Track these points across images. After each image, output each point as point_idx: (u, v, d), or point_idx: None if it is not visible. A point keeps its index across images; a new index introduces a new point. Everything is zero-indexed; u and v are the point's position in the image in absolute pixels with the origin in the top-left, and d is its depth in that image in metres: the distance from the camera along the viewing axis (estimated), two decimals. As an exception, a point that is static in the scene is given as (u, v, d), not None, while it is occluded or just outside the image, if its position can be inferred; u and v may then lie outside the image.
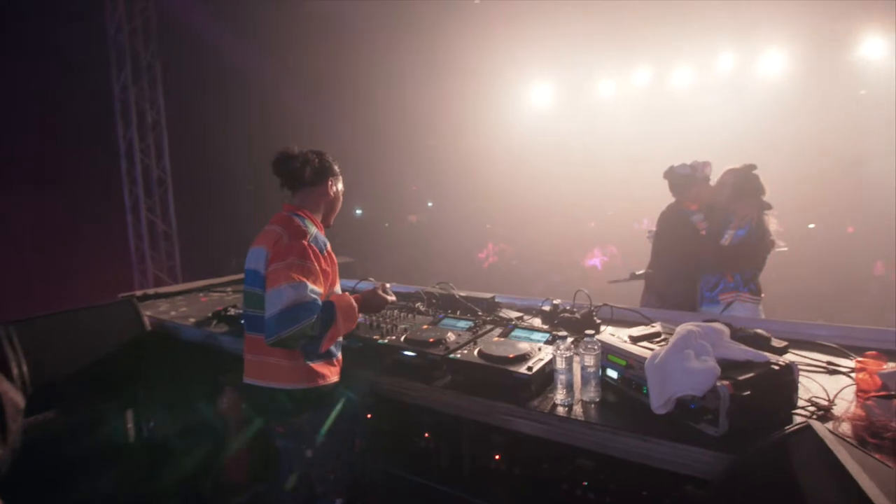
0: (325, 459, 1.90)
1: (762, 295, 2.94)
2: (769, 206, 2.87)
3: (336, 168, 2.05)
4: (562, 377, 1.57)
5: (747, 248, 2.84)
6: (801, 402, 1.48)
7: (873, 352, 1.69)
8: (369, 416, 2.17)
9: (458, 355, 1.84)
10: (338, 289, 1.99)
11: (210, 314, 2.84)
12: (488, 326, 2.19)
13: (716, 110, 9.78)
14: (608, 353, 1.68)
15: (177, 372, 2.92)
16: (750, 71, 9.58)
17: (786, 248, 2.89)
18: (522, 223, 13.55)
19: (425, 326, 2.19)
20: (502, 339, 2.00)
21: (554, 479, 1.82)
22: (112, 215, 7.67)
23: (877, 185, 8.59)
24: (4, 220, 6.52)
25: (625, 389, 1.61)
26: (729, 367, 1.42)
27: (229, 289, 3.83)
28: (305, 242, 1.80)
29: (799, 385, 1.46)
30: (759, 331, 1.98)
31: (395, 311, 2.47)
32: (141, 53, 7.37)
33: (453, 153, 12.03)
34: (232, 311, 2.75)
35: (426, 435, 2.14)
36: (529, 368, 1.66)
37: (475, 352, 1.84)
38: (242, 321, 2.08)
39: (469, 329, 2.16)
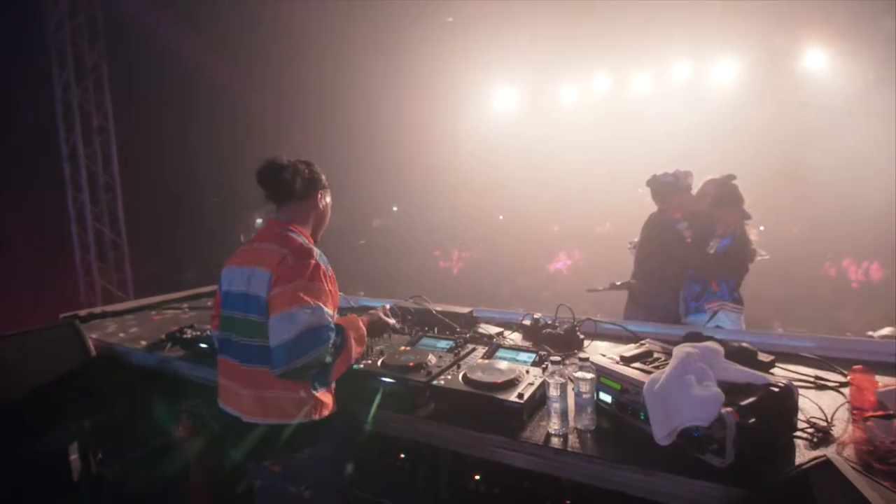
0: (322, 493, 1.74)
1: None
2: (749, 216, 2.90)
3: (325, 179, 1.90)
4: (556, 405, 1.47)
5: (732, 257, 2.86)
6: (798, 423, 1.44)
7: (859, 366, 1.68)
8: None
9: (442, 381, 1.71)
10: None
11: (164, 336, 2.60)
12: (470, 346, 2.08)
13: (671, 117, 10.12)
14: (601, 376, 1.60)
15: (128, 400, 2.67)
16: (703, 79, 9.96)
17: (767, 257, 2.93)
18: (487, 227, 13.58)
19: (403, 348, 2.05)
20: (487, 360, 1.88)
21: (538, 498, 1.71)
22: (55, 224, 7.15)
23: (818, 186, 9.07)
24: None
25: (620, 415, 1.53)
26: (730, 390, 1.35)
27: (185, 305, 3.57)
28: (314, 262, 1.65)
29: (795, 405, 1.42)
30: (745, 344, 1.95)
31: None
32: (85, 53, 6.91)
33: (418, 157, 11.92)
34: (189, 333, 2.52)
35: (401, 455, 1.99)
36: (520, 396, 1.55)
37: (459, 377, 1.72)
38: (220, 350, 1.81)
39: (450, 350, 2.03)
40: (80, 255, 7.20)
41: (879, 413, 1.42)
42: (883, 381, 1.57)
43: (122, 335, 2.86)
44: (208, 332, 2.46)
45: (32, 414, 2.47)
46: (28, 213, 6.90)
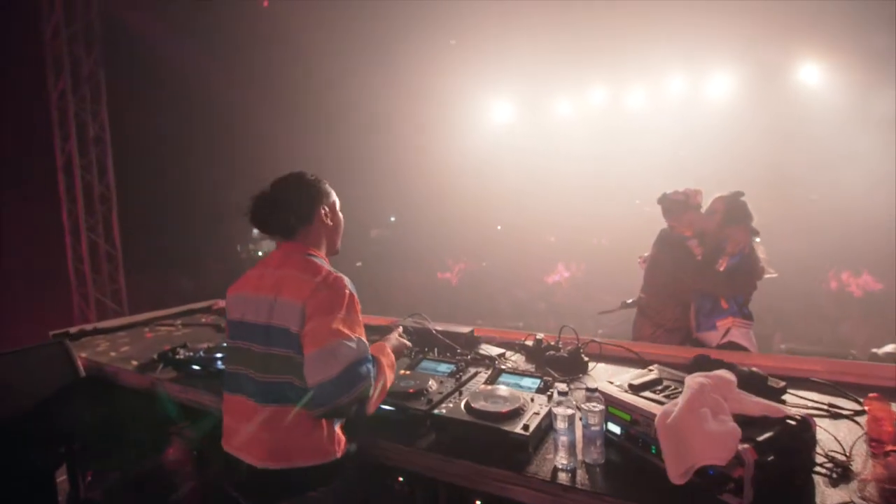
0: None
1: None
2: (757, 233, 2.90)
3: (322, 186, 1.74)
4: (563, 439, 1.41)
5: (742, 275, 2.85)
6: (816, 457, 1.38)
7: (875, 394, 1.62)
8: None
9: (444, 410, 1.64)
10: None
11: (156, 356, 2.52)
12: (471, 370, 2.01)
13: (666, 130, 10.19)
14: (609, 405, 1.53)
15: (117, 422, 2.59)
16: (698, 93, 10.03)
17: (776, 275, 2.90)
18: (485, 238, 13.55)
19: (403, 372, 1.98)
20: (489, 386, 1.82)
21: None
22: (49, 235, 7.05)
23: (812, 196, 9.09)
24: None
25: (631, 448, 1.46)
26: (745, 423, 1.29)
27: (179, 321, 3.49)
28: (348, 291, 1.53)
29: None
30: (755, 370, 1.89)
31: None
32: (82, 60, 6.85)
33: (416, 167, 11.92)
34: (181, 354, 2.45)
35: (399, 479, 1.91)
36: (526, 427, 1.48)
37: (462, 405, 1.66)
38: (228, 387, 1.65)
39: (451, 374, 1.97)
40: (74, 266, 7.10)
41: (901, 447, 1.36)
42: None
43: (112, 354, 2.77)
44: (201, 353, 2.39)
45: (19, 435, 2.38)
46: (22, 223, 6.82)
